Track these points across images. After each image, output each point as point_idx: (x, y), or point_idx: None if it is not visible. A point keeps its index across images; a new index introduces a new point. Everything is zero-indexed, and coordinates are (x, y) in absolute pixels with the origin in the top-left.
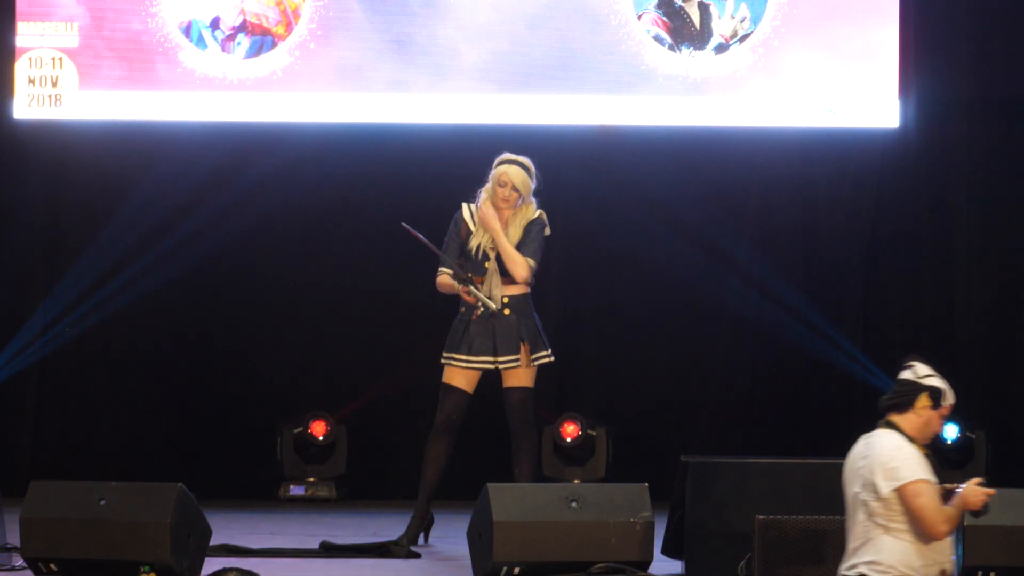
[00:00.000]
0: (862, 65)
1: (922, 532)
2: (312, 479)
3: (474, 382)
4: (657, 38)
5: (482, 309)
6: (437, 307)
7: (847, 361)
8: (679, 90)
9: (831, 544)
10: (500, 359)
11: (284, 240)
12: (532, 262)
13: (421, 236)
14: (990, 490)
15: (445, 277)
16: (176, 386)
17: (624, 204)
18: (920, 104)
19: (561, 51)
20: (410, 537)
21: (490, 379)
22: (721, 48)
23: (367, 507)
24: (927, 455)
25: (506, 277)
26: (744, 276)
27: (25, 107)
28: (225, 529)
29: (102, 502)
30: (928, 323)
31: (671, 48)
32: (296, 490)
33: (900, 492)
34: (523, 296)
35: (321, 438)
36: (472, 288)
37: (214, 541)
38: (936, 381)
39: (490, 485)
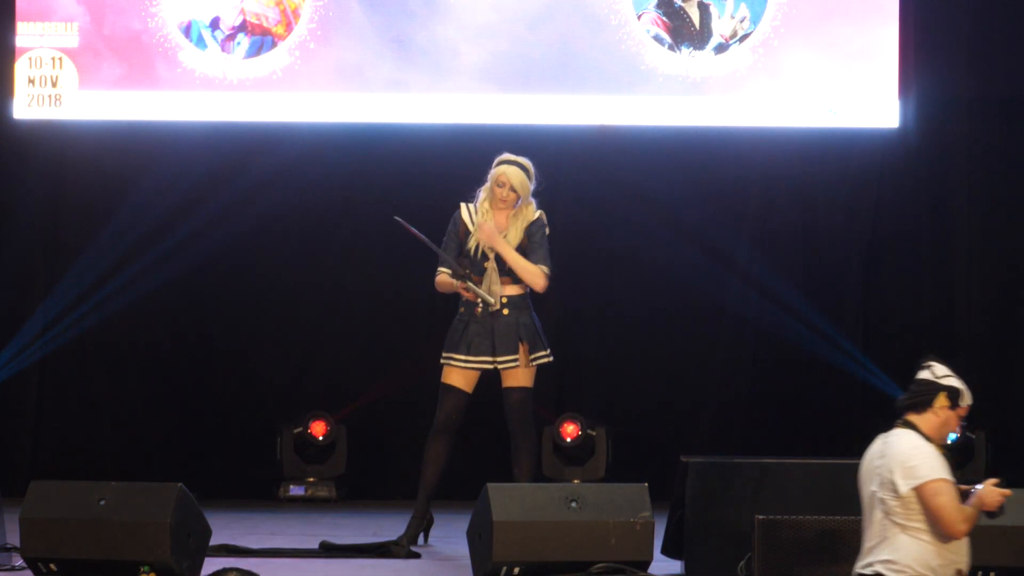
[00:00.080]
0: (862, 65)
1: (941, 531)
2: (312, 479)
3: (473, 382)
4: (657, 38)
5: (482, 306)
6: (437, 307)
7: (847, 361)
8: (679, 90)
9: (831, 544)
10: (499, 359)
11: (284, 240)
12: (546, 268)
13: (415, 230)
14: (1006, 491)
15: (444, 276)
16: (176, 386)
17: (624, 204)
18: (920, 104)
19: (561, 51)
20: (410, 537)
21: (490, 379)
22: (721, 48)
23: (367, 507)
24: (945, 455)
25: (505, 276)
26: (744, 276)
27: (25, 107)
28: (225, 529)
29: (102, 502)
30: (928, 323)
31: (671, 48)
32: (296, 490)
33: (919, 491)
34: (522, 296)
35: (321, 438)
36: (470, 284)
37: (214, 541)
38: (954, 381)
39: (490, 485)
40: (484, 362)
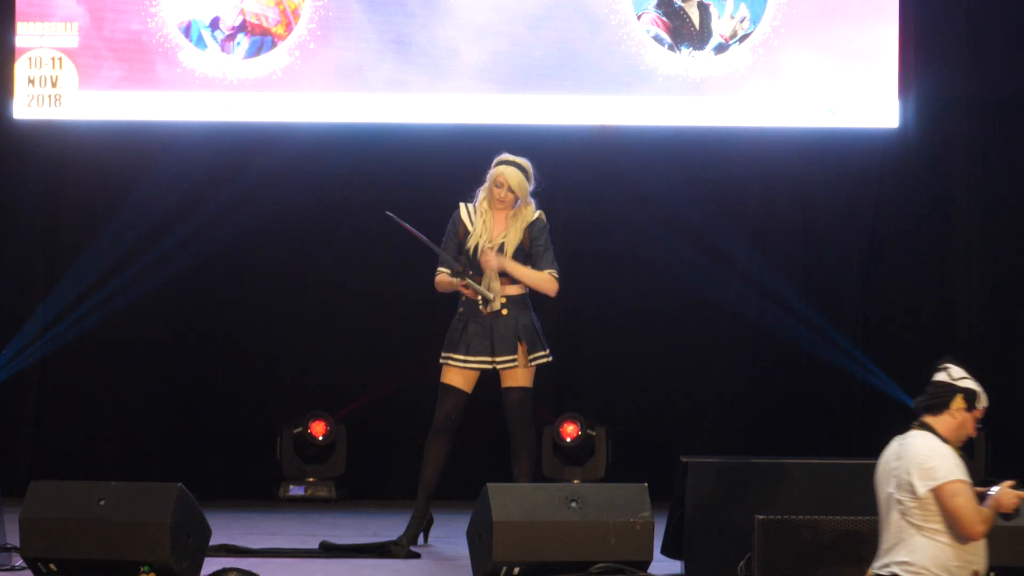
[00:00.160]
0: (862, 65)
1: (959, 533)
2: (312, 479)
3: (472, 382)
4: (657, 38)
5: (484, 303)
6: (436, 307)
7: (847, 361)
8: (679, 90)
9: (831, 543)
10: (498, 359)
11: (284, 240)
12: (555, 272)
13: (407, 225)
14: (1022, 492)
15: (443, 276)
16: (176, 386)
17: (624, 204)
18: (920, 104)
19: (561, 51)
20: (410, 537)
21: (489, 379)
22: (721, 48)
23: (367, 507)
24: (961, 456)
25: (504, 276)
26: (744, 276)
27: (25, 107)
28: (225, 529)
29: (102, 502)
30: (928, 323)
31: (671, 48)
32: (296, 490)
33: (937, 492)
34: (521, 296)
35: (321, 438)
36: (469, 281)
37: (214, 541)
38: (971, 383)
39: (490, 485)
40: (483, 362)
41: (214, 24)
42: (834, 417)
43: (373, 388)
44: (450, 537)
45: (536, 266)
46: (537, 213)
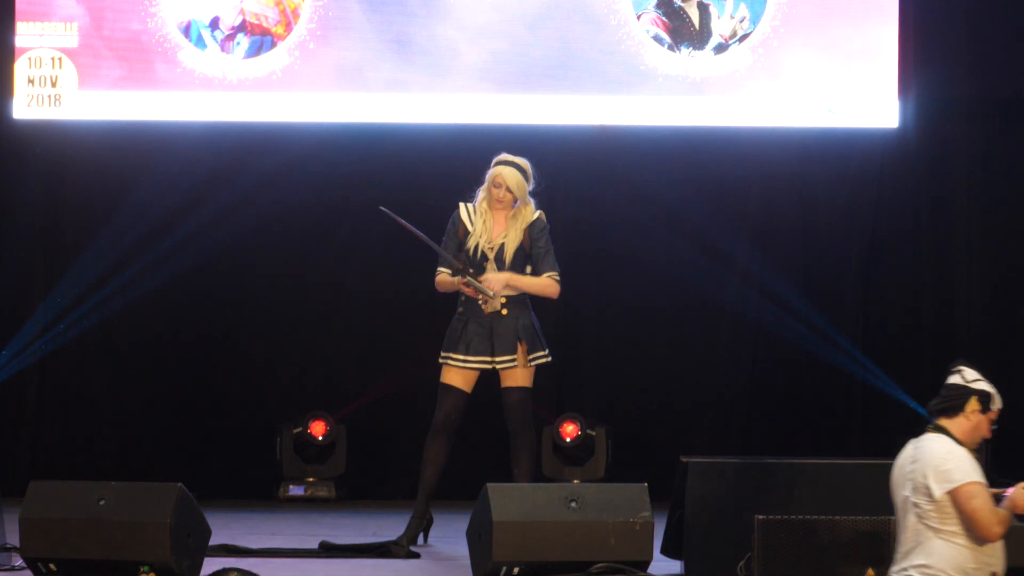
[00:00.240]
0: (861, 65)
1: (976, 534)
2: (312, 479)
3: (472, 382)
4: (657, 38)
5: (485, 301)
6: (436, 307)
7: (847, 361)
8: (679, 90)
9: (831, 543)
10: (498, 359)
11: (284, 240)
12: (555, 275)
13: (401, 220)
14: None
15: (444, 276)
16: (176, 386)
17: (624, 204)
18: (919, 104)
19: (561, 51)
20: (409, 537)
21: (489, 379)
22: (720, 48)
23: (367, 507)
24: (977, 458)
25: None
26: (744, 276)
27: (25, 107)
28: (225, 529)
29: (102, 502)
30: (928, 323)
31: (670, 48)
32: (296, 490)
33: (953, 495)
34: (521, 296)
35: (321, 438)
36: (470, 279)
37: (214, 541)
38: (985, 385)
39: (489, 485)
40: (483, 362)
41: (214, 24)
42: (834, 417)
43: (373, 388)
44: (450, 537)
45: (537, 268)
46: (537, 213)
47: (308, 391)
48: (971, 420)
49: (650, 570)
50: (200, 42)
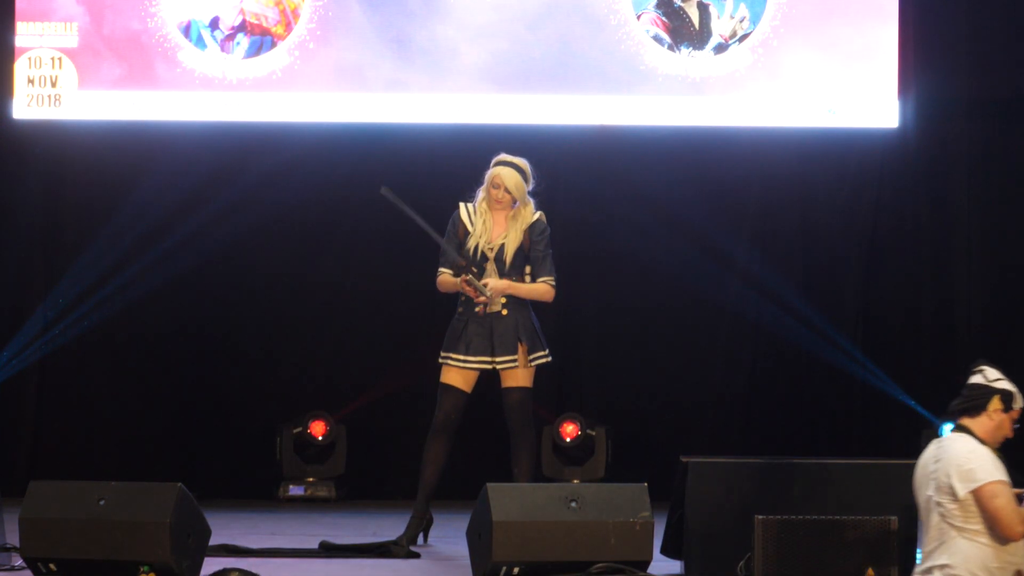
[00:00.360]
0: (861, 65)
1: (999, 533)
2: (312, 479)
3: (472, 382)
4: (656, 38)
5: (483, 305)
6: (436, 307)
7: (847, 361)
8: (678, 90)
9: (831, 543)
10: (498, 359)
11: (284, 240)
12: (551, 280)
13: (403, 205)
14: None
15: (446, 276)
16: (176, 386)
17: (624, 204)
18: (919, 104)
19: (561, 51)
20: (409, 537)
21: (489, 379)
22: (720, 48)
23: (367, 507)
24: (1000, 457)
25: (505, 277)
26: (744, 276)
27: (24, 107)
28: (225, 529)
29: (102, 502)
30: (928, 323)
31: (670, 48)
32: (296, 490)
33: (976, 494)
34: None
35: (321, 438)
36: (470, 277)
37: (214, 541)
38: (1007, 384)
39: (489, 485)
40: (483, 362)
41: (214, 24)
42: (834, 417)
43: (373, 388)
44: (450, 537)
45: (535, 272)
46: (537, 214)
47: (308, 391)
48: (993, 419)
49: (650, 570)
50: (200, 42)
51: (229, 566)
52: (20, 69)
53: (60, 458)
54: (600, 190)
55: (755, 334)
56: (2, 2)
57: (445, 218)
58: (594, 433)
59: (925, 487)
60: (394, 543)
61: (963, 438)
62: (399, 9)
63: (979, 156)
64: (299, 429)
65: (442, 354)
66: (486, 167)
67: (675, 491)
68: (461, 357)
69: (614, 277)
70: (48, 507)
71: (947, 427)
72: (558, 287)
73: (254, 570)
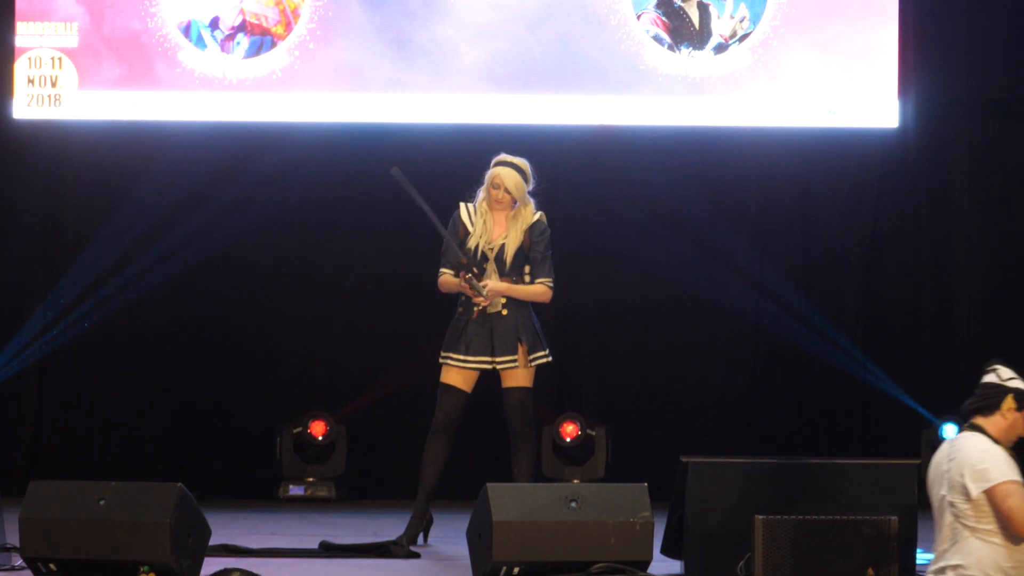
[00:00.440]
0: (861, 65)
1: (1012, 533)
2: (312, 479)
3: (472, 382)
4: (656, 38)
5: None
6: (436, 307)
7: (846, 361)
8: (679, 90)
9: (831, 543)
10: (498, 359)
11: (284, 240)
12: (548, 281)
13: (411, 188)
14: None
15: (447, 276)
16: (176, 386)
17: (624, 204)
18: (919, 104)
19: (561, 51)
20: (409, 537)
21: (489, 379)
22: (720, 48)
23: (367, 507)
24: (1013, 457)
25: (505, 277)
26: (744, 276)
27: (24, 107)
28: (225, 529)
29: (102, 502)
30: (928, 323)
31: (670, 48)
32: (296, 490)
33: (989, 494)
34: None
35: (321, 438)
36: (470, 277)
37: (214, 541)
38: (1020, 383)
39: (490, 485)
40: (483, 362)
41: (214, 24)
42: (834, 417)
43: (373, 388)
44: (450, 537)
45: (533, 272)
46: (538, 215)
47: (308, 391)
48: (1007, 418)
49: (650, 570)
50: (200, 42)
51: (230, 566)
52: (20, 69)
53: (60, 458)
54: (600, 190)
55: (755, 334)
56: (2, 2)
57: (445, 218)
58: (594, 433)
59: (938, 486)
60: (394, 543)
61: (977, 437)
62: (399, 9)
63: (979, 156)
64: (299, 429)
65: (442, 354)
66: (486, 167)
67: (675, 491)
68: (461, 357)
69: (614, 277)
70: (48, 507)
71: (947, 427)
72: (557, 287)
73: (254, 570)
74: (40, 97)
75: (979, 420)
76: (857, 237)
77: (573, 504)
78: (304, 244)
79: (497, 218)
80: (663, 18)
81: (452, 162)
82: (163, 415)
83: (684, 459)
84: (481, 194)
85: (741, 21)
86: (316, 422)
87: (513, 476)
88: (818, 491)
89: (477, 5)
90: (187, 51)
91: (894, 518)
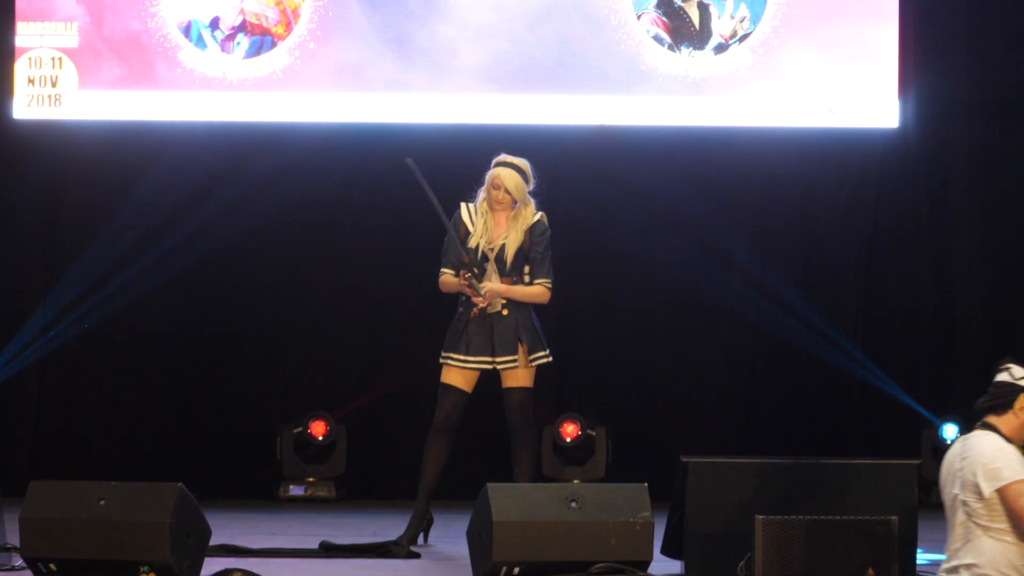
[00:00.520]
0: (861, 65)
1: None
2: (312, 479)
3: (472, 382)
4: (657, 38)
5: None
6: (437, 307)
7: (846, 360)
8: (679, 90)
9: (831, 544)
10: (498, 359)
11: (284, 240)
12: (547, 282)
13: (423, 180)
14: None
15: (447, 276)
16: (176, 386)
17: (624, 204)
18: (919, 104)
19: (561, 51)
20: (410, 537)
21: (489, 379)
22: (721, 48)
23: (367, 507)
24: None
25: (505, 277)
26: (744, 276)
27: (25, 107)
28: (225, 529)
29: (102, 502)
30: (928, 323)
31: (671, 48)
32: (296, 490)
33: (1002, 493)
34: None
35: (321, 438)
36: (472, 278)
37: (214, 541)
38: None
39: (490, 485)
40: (483, 362)
41: (214, 24)
42: (834, 417)
43: (373, 388)
44: (450, 537)
45: (532, 273)
46: (538, 215)
47: (308, 391)
48: (1020, 417)
49: (650, 570)
50: (200, 42)
51: (230, 566)
52: (20, 69)
53: (60, 458)
54: (600, 190)
55: (755, 334)
56: (2, 2)
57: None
58: (594, 433)
59: (951, 485)
60: (394, 543)
61: (989, 436)
62: (399, 9)
63: (979, 156)
64: (299, 429)
65: (442, 354)
66: (486, 167)
67: (675, 491)
68: (461, 357)
69: (614, 277)
70: (48, 507)
71: (947, 427)
72: (557, 287)
73: (254, 570)
74: (40, 97)
75: (991, 419)
76: (857, 237)
77: (573, 504)
78: (304, 244)
79: (498, 218)
80: (663, 18)
81: (452, 162)
82: (163, 415)
83: (684, 459)
84: (482, 194)
85: (741, 21)
86: (316, 422)
87: (513, 476)
88: (818, 491)
89: (477, 5)
90: (187, 51)
91: (894, 518)
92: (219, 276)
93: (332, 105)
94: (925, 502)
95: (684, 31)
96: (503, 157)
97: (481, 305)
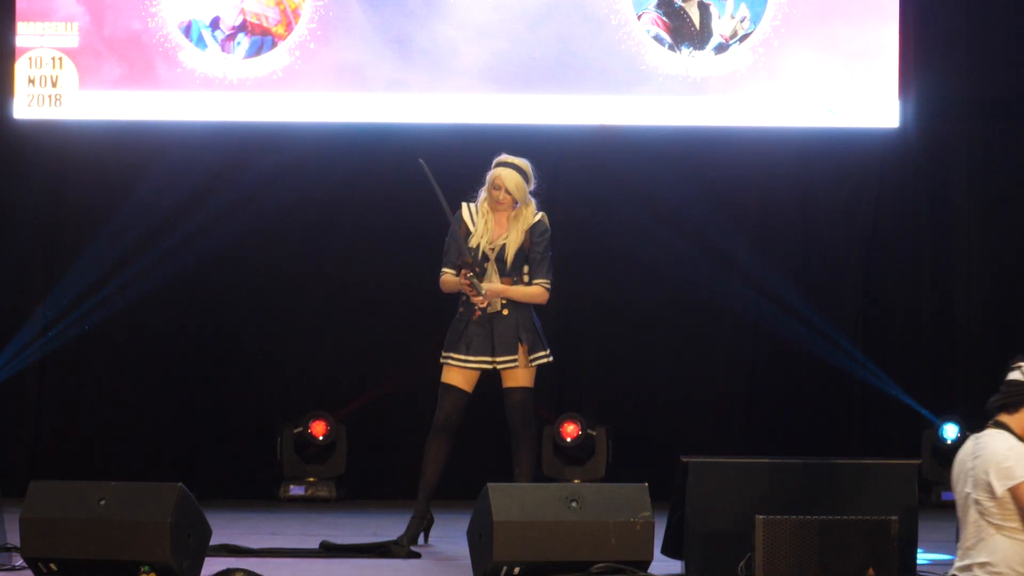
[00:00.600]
0: (862, 65)
1: None
2: (312, 479)
3: (473, 382)
4: (657, 38)
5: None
6: (436, 307)
7: (846, 361)
8: (679, 90)
9: (831, 543)
10: (498, 359)
11: (284, 240)
12: (546, 283)
13: (434, 182)
14: None
15: (448, 276)
16: (176, 386)
17: (624, 203)
18: (920, 104)
19: (561, 51)
20: (410, 537)
21: (490, 379)
22: (721, 48)
23: (367, 507)
24: None
25: (505, 277)
26: (744, 276)
27: (25, 107)
28: (225, 529)
29: (102, 502)
30: (928, 323)
31: (671, 48)
32: (296, 490)
33: (1014, 491)
34: None
35: (321, 438)
36: (473, 278)
37: (214, 541)
38: None
39: (490, 485)
40: (484, 362)
41: (214, 24)
42: (834, 417)
43: (373, 388)
44: (450, 537)
45: (532, 273)
46: (539, 215)
47: (308, 391)
48: None
49: (650, 570)
50: (200, 42)
51: (231, 566)
52: (21, 69)
53: (60, 458)
54: (600, 190)
55: (755, 334)
56: (2, 2)
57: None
58: (594, 433)
59: (963, 483)
60: (395, 543)
61: (1001, 434)
62: (399, 9)
63: (979, 156)
64: (299, 429)
65: (443, 354)
66: (487, 167)
67: (675, 491)
68: (462, 357)
69: (614, 277)
70: (48, 507)
71: (947, 427)
72: (558, 288)
73: (255, 570)
74: (41, 97)
75: (1003, 417)
76: (857, 237)
77: (573, 504)
78: (304, 244)
79: (498, 218)
80: (664, 18)
81: (452, 162)
82: (163, 415)
83: (684, 459)
84: (482, 194)
85: (742, 21)
86: (316, 422)
87: (514, 476)
88: (818, 491)
89: (477, 5)
90: (188, 51)
91: (894, 518)
92: (219, 276)
93: (332, 105)
94: (925, 502)
95: (684, 31)
96: (504, 157)
97: (481, 305)
